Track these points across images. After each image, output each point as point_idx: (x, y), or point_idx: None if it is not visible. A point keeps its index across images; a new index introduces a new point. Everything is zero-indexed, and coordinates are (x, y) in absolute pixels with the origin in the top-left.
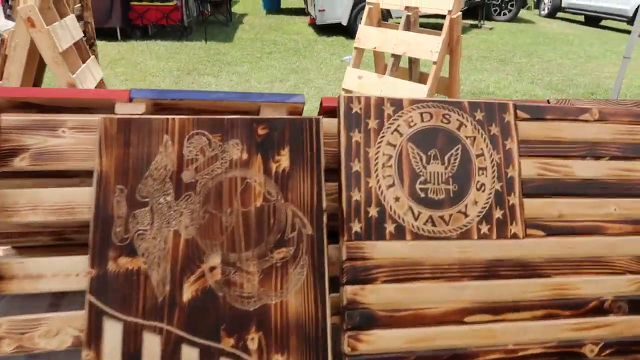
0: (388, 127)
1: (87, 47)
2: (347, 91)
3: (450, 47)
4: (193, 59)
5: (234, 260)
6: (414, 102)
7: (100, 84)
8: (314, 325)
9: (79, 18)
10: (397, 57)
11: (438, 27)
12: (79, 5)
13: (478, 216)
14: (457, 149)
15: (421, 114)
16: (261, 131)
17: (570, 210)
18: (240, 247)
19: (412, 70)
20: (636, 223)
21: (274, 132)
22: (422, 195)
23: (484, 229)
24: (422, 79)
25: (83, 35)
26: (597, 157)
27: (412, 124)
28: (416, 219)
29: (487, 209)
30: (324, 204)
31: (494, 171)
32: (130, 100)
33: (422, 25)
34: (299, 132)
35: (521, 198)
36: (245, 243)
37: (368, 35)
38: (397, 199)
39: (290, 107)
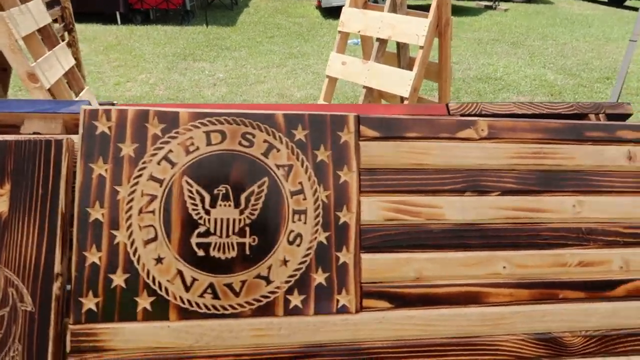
0: (153, 154)
1: (64, 33)
2: (330, 78)
3: (439, 30)
4: (191, 44)
5: None
6: (197, 116)
7: (71, 72)
8: None
9: (55, 3)
10: (382, 42)
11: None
12: None
13: (287, 282)
14: (262, 185)
15: (208, 133)
16: None
17: (435, 270)
18: None
19: (401, 55)
20: (534, 287)
21: None
22: (201, 253)
23: (296, 301)
24: (411, 64)
25: (61, 20)
26: (482, 192)
27: (192, 148)
28: (188, 289)
29: (302, 271)
30: (58, 267)
31: (317, 216)
32: None
33: (414, 7)
34: (29, 160)
35: (358, 254)
36: None
37: (352, 18)
38: (159, 260)
39: (70, 119)
